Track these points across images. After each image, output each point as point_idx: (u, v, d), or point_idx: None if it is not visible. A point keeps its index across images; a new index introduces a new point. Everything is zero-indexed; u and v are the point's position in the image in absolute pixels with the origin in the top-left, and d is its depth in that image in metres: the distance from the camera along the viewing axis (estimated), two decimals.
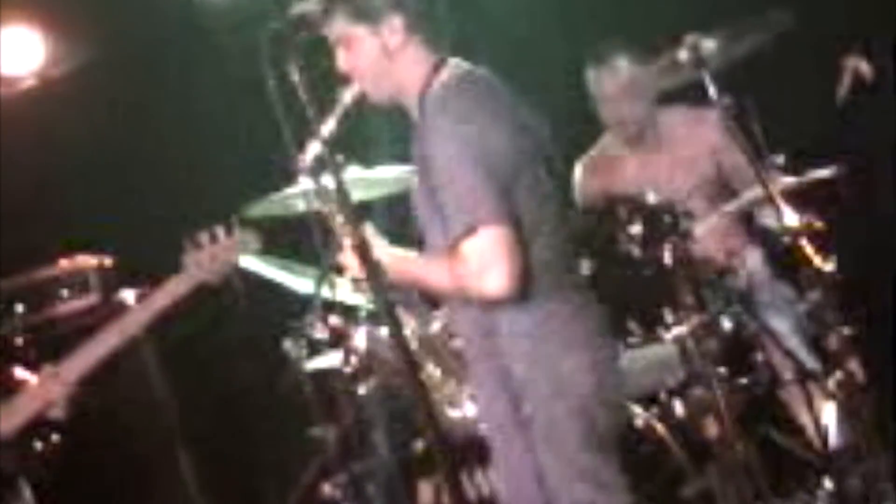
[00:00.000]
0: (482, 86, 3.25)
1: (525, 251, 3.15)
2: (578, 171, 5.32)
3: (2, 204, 5.28)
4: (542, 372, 3.23)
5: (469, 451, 3.79)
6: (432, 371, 3.80)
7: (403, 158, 3.56)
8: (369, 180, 3.96)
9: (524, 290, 3.16)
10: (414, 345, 3.78)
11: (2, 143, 5.25)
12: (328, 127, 3.19)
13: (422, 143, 3.24)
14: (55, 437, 4.30)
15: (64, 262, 5.11)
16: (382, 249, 3.26)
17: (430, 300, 3.85)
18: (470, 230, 3.08)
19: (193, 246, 4.09)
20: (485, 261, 3.10)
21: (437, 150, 3.14)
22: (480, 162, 3.13)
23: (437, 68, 3.28)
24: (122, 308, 4.63)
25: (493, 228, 3.09)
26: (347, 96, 3.30)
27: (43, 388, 4.13)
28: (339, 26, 3.28)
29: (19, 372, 4.34)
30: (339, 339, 4.58)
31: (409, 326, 3.99)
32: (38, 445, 4.31)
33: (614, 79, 5.13)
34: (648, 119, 5.13)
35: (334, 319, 4.54)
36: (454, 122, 3.15)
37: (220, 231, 4.14)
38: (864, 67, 4.49)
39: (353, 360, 4.33)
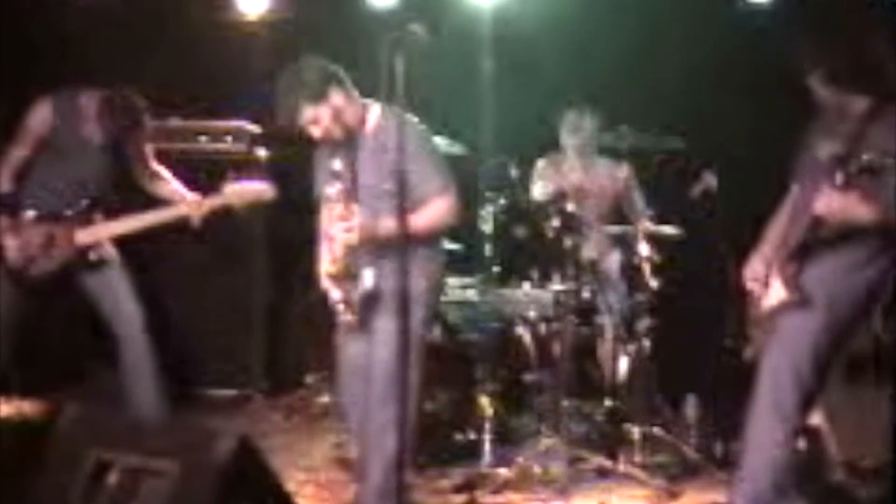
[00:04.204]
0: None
1: None
2: (541, 164, 6.22)
3: None
4: (424, 272, 4.22)
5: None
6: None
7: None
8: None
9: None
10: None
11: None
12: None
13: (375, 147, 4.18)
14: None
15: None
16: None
17: None
18: (443, 190, 4.20)
19: (234, 179, 5.09)
20: (454, 205, 4.24)
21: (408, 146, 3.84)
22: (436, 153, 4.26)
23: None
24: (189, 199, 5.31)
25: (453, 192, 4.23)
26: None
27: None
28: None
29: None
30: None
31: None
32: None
33: (579, 127, 6.14)
34: (588, 157, 6.15)
35: None
36: (416, 132, 4.12)
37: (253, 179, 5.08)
38: (712, 181, 5.38)
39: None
